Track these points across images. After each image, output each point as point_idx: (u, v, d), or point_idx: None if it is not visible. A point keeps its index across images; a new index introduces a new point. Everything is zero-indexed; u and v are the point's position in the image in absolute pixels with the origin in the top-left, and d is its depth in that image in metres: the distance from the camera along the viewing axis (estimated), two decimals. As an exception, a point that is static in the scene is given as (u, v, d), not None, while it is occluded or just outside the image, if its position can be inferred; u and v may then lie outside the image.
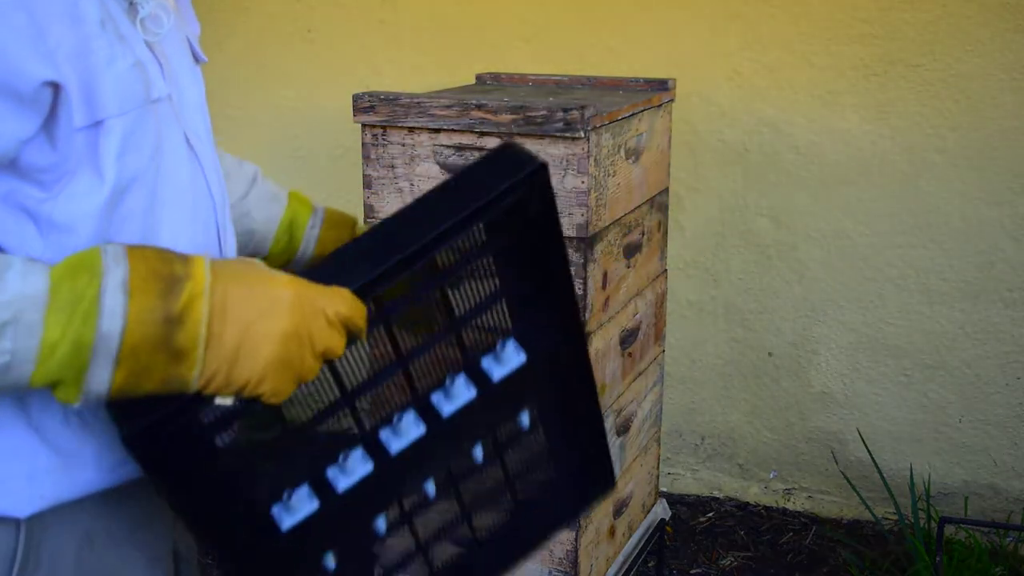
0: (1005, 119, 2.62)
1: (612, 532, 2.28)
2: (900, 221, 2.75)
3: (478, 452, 1.16)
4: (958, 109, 2.65)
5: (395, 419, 1.08)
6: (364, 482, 1.06)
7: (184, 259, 0.95)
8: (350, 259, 1.01)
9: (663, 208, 2.42)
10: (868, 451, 2.84)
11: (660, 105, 2.31)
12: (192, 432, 0.97)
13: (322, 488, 1.06)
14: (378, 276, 1.00)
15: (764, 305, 2.92)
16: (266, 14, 3.19)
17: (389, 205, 2.09)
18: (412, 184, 2.06)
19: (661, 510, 2.58)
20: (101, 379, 0.90)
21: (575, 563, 2.10)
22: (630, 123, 2.13)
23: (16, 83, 0.92)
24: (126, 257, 0.92)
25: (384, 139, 2.06)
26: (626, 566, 2.32)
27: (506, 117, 1.95)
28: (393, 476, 1.08)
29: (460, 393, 1.10)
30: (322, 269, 1.01)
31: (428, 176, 2.05)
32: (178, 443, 0.96)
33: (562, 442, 1.23)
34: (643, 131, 2.21)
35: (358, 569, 1.14)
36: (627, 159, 2.13)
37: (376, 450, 1.08)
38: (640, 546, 2.41)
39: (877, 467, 2.77)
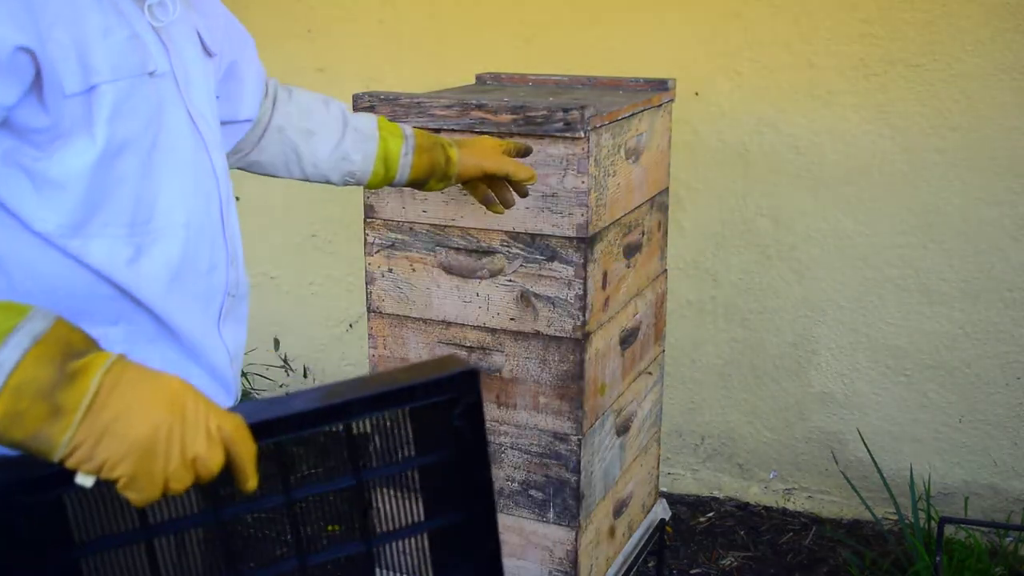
0: (1005, 119, 2.62)
1: (612, 532, 2.28)
2: (900, 221, 2.75)
3: None
4: (958, 109, 2.65)
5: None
6: None
7: (101, 348, 0.96)
8: (274, 402, 1.01)
9: (663, 208, 2.42)
10: (868, 451, 2.84)
11: (660, 105, 2.31)
12: (44, 507, 0.93)
13: None
14: (278, 419, 0.98)
15: (764, 305, 2.92)
16: (266, 14, 3.19)
17: (389, 205, 2.09)
18: (412, 184, 2.06)
19: (661, 510, 2.58)
20: None
21: (575, 563, 2.10)
22: (630, 123, 2.13)
23: None
24: (53, 320, 0.94)
25: (384, 139, 2.06)
26: (626, 566, 2.32)
27: (506, 117, 1.95)
28: None
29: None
30: (245, 405, 1.00)
31: (428, 176, 2.05)
32: (29, 515, 0.93)
33: None
34: (643, 131, 2.21)
35: None
36: (627, 159, 2.13)
37: None
38: (640, 546, 2.41)
39: (877, 467, 2.77)
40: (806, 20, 2.72)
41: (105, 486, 0.94)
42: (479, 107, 1.97)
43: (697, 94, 2.84)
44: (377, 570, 1.09)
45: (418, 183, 1.67)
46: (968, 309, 2.73)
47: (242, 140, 1.53)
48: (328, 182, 1.62)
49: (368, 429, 1.04)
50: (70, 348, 0.93)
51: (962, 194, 2.68)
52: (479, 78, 2.54)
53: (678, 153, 2.78)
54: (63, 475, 0.92)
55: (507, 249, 2.02)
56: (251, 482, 0.97)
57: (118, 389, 0.92)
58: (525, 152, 1.81)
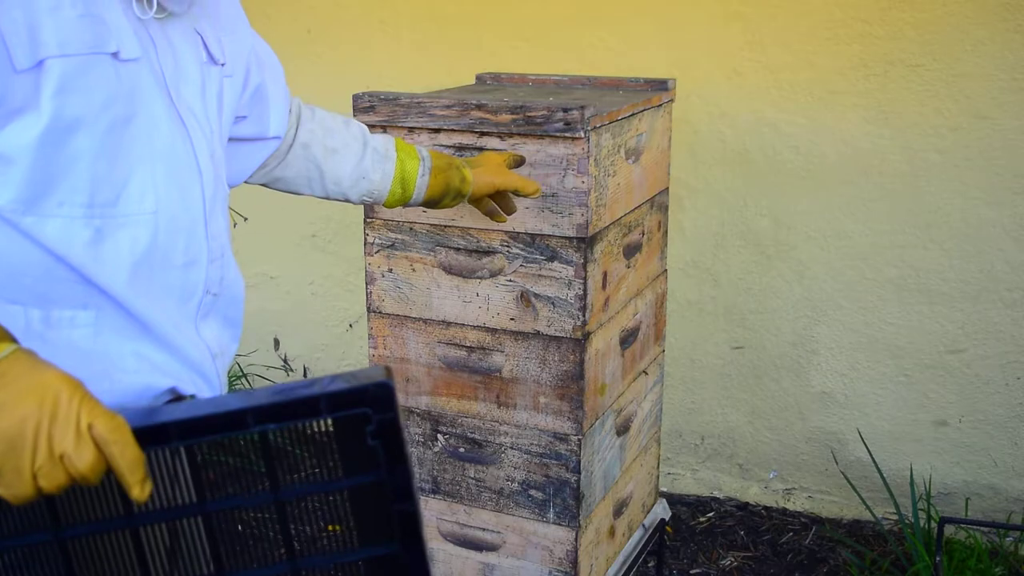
0: (1005, 119, 2.62)
1: (612, 532, 2.28)
2: (900, 221, 2.75)
3: None
4: (958, 109, 2.65)
5: None
6: None
7: (6, 342, 0.94)
8: (181, 407, 0.95)
9: (663, 208, 2.42)
10: (868, 451, 2.84)
11: (660, 105, 2.31)
12: None
13: None
14: (173, 422, 0.93)
15: (764, 305, 2.92)
16: (266, 14, 3.19)
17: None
18: (412, 184, 2.06)
19: (661, 510, 2.58)
20: None
21: (575, 563, 2.10)
22: (630, 123, 2.13)
23: None
24: None
25: (384, 139, 2.06)
26: (626, 566, 2.32)
27: (506, 117, 1.95)
28: None
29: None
30: (139, 410, 0.95)
31: (428, 176, 2.05)
32: None
33: None
34: (643, 131, 2.21)
35: None
36: (627, 159, 2.13)
37: None
38: (640, 546, 2.41)
39: (877, 467, 2.77)
40: (806, 20, 2.72)
41: None
42: (479, 107, 1.97)
43: (697, 94, 2.84)
44: None
45: (432, 202, 1.73)
46: (968, 309, 2.73)
47: (270, 155, 1.57)
48: (347, 200, 1.67)
49: (285, 441, 0.97)
50: None
51: (962, 194, 2.68)
52: (479, 78, 2.54)
53: (678, 153, 2.78)
54: None
55: (507, 249, 2.02)
56: (135, 490, 0.92)
57: (0, 381, 0.91)
58: (521, 162, 1.89)
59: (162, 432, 0.94)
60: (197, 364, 1.24)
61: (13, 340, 0.96)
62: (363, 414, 0.96)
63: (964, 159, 2.67)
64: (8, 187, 1.07)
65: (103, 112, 1.10)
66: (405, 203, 1.70)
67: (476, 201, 1.80)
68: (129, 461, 0.92)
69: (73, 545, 0.97)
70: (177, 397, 1.22)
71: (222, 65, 1.31)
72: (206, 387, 1.26)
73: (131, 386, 1.17)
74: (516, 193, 1.79)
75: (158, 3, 1.17)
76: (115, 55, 1.11)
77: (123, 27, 1.13)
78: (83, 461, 0.91)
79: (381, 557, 1.00)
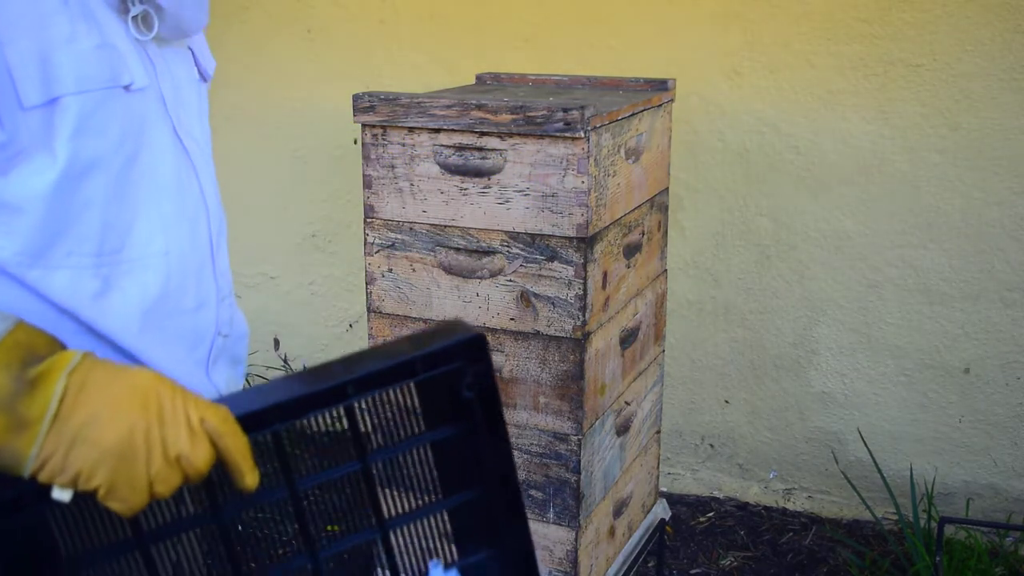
0: (1005, 119, 2.62)
1: (612, 532, 2.28)
2: (900, 221, 2.75)
3: None
4: (958, 109, 2.65)
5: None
6: None
7: (67, 350, 0.88)
8: (257, 393, 0.92)
9: (663, 208, 2.42)
10: (868, 451, 2.84)
11: (660, 105, 2.31)
12: (25, 527, 0.86)
13: None
14: (272, 406, 0.91)
15: (764, 305, 2.92)
16: (266, 14, 3.19)
17: (389, 205, 2.09)
18: (412, 184, 2.06)
19: (661, 510, 2.58)
20: None
21: (575, 563, 2.10)
22: (630, 123, 2.13)
23: None
24: (14, 323, 0.86)
25: (384, 139, 2.06)
26: (626, 566, 2.32)
27: (506, 117, 1.95)
28: None
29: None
30: (234, 398, 0.92)
31: (428, 176, 2.05)
32: (10, 537, 0.86)
33: None
34: (643, 131, 2.21)
35: None
36: (627, 159, 2.13)
37: None
38: (640, 546, 2.41)
39: (877, 467, 2.77)
40: (806, 20, 2.72)
41: (87, 499, 0.87)
42: (479, 107, 1.97)
43: (697, 94, 2.84)
44: (398, 556, 1.02)
45: None
46: (968, 309, 2.73)
47: None
48: None
49: (371, 410, 0.96)
50: (30, 353, 0.85)
51: (962, 194, 2.68)
52: (479, 78, 2.54)
53: (678, 153, 2.78)
54: (39, 491, 0.85)
55: (507, 249, 2.02)
56: (248, 478, 0.89)
57: (85, 392, 0.85)
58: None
59: (262, 417, 0.91)
60: None
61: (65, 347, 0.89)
62: (458, 368, 0.96)
63: (964, 159, 2.67)
64: (15, 238, 0.97)
65: (117, 151, 1.01)
66: None
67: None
68: (242, 450, 0.89)
69: (156, 548, 0.94)
70: None
71: (209, 80, 1.22)
72: None
73: None
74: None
75: (170, 34, 1.08)
76: (127, 87, 1.02)
77: (131, 53, 1.04)
78: (200, 459, 0.87)
79: (471, 505, 1.01)
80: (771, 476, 3.03)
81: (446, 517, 1.02)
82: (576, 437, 2.05)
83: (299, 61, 3.20)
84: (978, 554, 2.57)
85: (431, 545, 1.02)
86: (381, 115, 2.04)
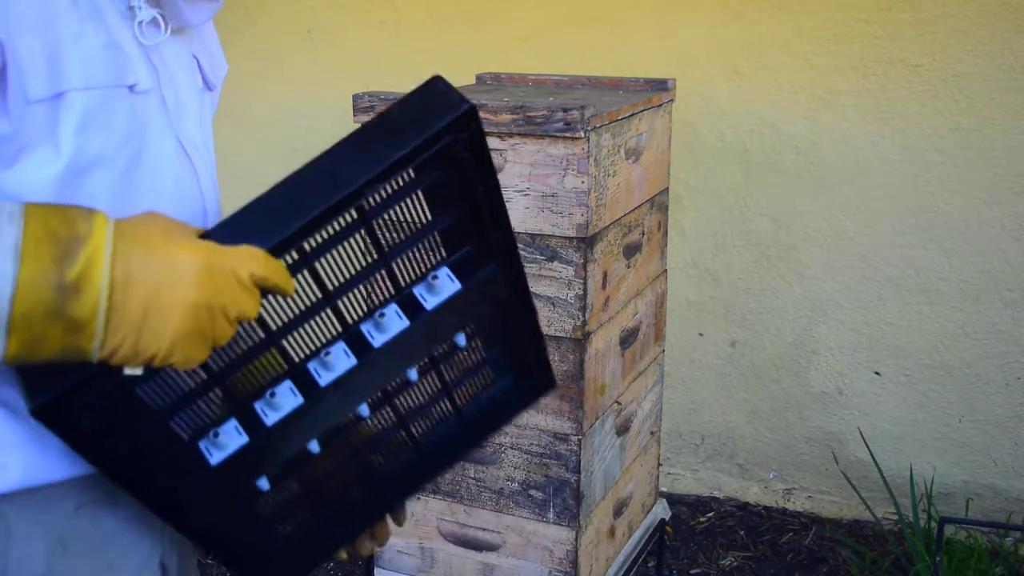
0: (1005, 119, 2.62)
1: (612, 532, 2.28)
2: (900, 221, 2.75)
3: (412, 373, 1.14)
4: (958, 109, 2.65)
5: (324, 353, 1.05)
6: (295, 413, 1.05)
7: (89, 217, 0.88)
8: (267, 211, 0.96)
9: (663, 208, 2.42)
10: (868, 451, 2.84)
11: (660, 105, 2.31)
12: (107, 393, 0.93)
13: (251, 423, 1.04)
14: (296, 231, 0.95)
15: (764, 305, 2.92)
16: (266, 14, 3.19)
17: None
18: (412, 184, 2.06)
19: (661, 510, 2.58)
20: None
21: (575, 563, 2.10)
22: (630, 123, 2.13)
23: None
24: (22, 216, 0.86)
25: (384, 139, 2.06)
26: (626, 566, 2.32)
27: (506, 117, 1.95)
28: (324, 405, 1.07)
29: (392, 325, 1.07)
30: (239, 222, 0.96)
31: (428, 176, 2.05)
32: (92, 406, 0.93)
33: (500, 349, 1.23)
34: (643, 131, 2.21)
35: (293, 486, 1.14)
36: (627, 159, 2.13)
37: (306, 383, 1.06)
38: (640, 546, 2.41)
39: (877, 467, 2.77)
40: (806, 20, 2.72)
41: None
42: (479, 107, 1.96)
43: (697, 94, 2.84)
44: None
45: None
46: (968, 309, 2.73)
47: None
48: None
49: (378, 201, 1.02)
50: (57, 244, 0.85)
51: (962, 194, 2.68)
52: (479, 78, 2.54)
53: (678, 153, 2.78)
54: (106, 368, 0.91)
55: (507, 249, 2.02)
56: (288, 290, 0.96)
57: (132, 281, 0.87)
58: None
59: (291, 240, 0.96)
60: None
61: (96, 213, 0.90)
62: (452, 140, 1.00)
63: (964, 159, 2.67)
64: None
65: (121, 150, 1.02)
66: None
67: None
68: (282, 278, 0.95)
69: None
70: None
71: (214, 89, 1.23)
72: None
73: None
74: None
75: (170, 23, 1.09)
76: (132, 88, 1.04)
77: (136, 55, 1.05)
78: (255, 308, 0.94)
79: (484, 279, 1.10)
80: (771, 476, 3.03)
81: (437, 238, 1.10)
82: (576, 437, 2.05)
83: (299, 61, 3.20)
84: (978, 554, 2.57)
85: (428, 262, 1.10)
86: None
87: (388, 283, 1.08)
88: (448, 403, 1.21)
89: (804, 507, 3.00)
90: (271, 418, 1.04)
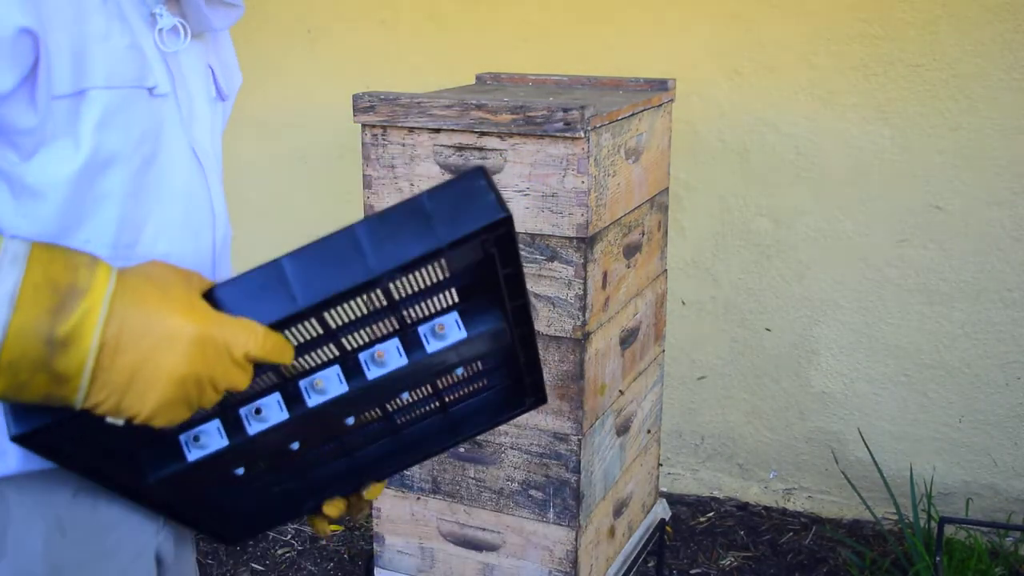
0: (1005, 119, 2.62)
1: (612, 532, 2.28)
2: (900, 221, 2.75)
3: (404, 395, 1.14)
4: (958, 109, 2.65)
5: (315, 379, 1.04)
6: (277, 427, 1.04)
7: (92, 266, 0.89)
8: (282, 278, 0.94)
9: (663, 208, 2.42)
10: (868, 451, 2.84)
11: (660, 105, 2.31)
12: (87, 425, 0.93)
13: (233, 427, 1.04)
14: (306, 310, 0.93)
15: (764, 305, 2.92)
16: (266, 14, 3.19)
17: (389, 205, 2.09)
18: (412, 184, 2.06)
19: (661, 510, 2.58)
20: None
21: (575, 563, 2.10)
22: (630, 123, 2.13)
23: None
24: (25, 260, 0.86)
25: (384, 139, 2.06)
26: (626, 566, 2.32)
27: (506, 117, 1.95)
28: (309, 420, 1.06)
29: (391, 360, 1.06)
30: (249, 285, 0.94)
31: (428, 176, 2.05)
32: (71, 437, 0.94)
33: (496, 365, 1.21)
34: (643, 131, 2.21)
35: (270, 473, 1.14)
36: (627, 159, 2.13)
37: (294, 398, 1.05)
38: (640, 546, 2.41)
39: (877, 467, 2.77)
40: (806, 20, 2.72)
41: None
42: (479, 107, 1.96)
43: (697, 94, 2.84)
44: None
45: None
46: (968, 309, 2.73)
47: None
48: None
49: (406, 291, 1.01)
50: (55, 295, 0.86)
51: (962, 194, 2.68)
52: (479, 78, 2.54)
53: (678, 153, 2.78)
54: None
55: (507, 249, 2.02)
56: (287, 360, 0.96)
57: (123, 343, 0.88)
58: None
59: (299, 317, 0.95)
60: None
61: (98, 260, 0.90)
62: (482, 242, 0.98)
63: (964, 159, 2.67)
64: (34, 223, 0.99)
65: (137, 149, 1.04)
66: None
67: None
68: (281, 357, 0.95)
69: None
70: None
71: (226, 99, 1.25)
72: None
73: None
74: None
75: (192, 29, 1.11)
76: (151, 90, 1.06)
77: (156, 60, 1.07)
78: (244, 383, 0.94)
79: (493, 331, 1.09)
80: (771, 476, 3.03)
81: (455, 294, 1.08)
82: (576, 437, 2.05)
83: (299, 61, 3.20)
84: (978, 554, 2.57)
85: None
86: (381, 115, 2.04)
87: (394, 321, 1.06)
88: (436, 403, 1.21)
89: (804, 507, 3.00)
90: (254, 428, 1.04)
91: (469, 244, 0.97)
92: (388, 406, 1.16)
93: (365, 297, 0.98)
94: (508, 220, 0.97)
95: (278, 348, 0.94)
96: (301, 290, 0.93)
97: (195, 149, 1.13)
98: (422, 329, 1.07)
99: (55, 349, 0.85)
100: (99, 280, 0.89)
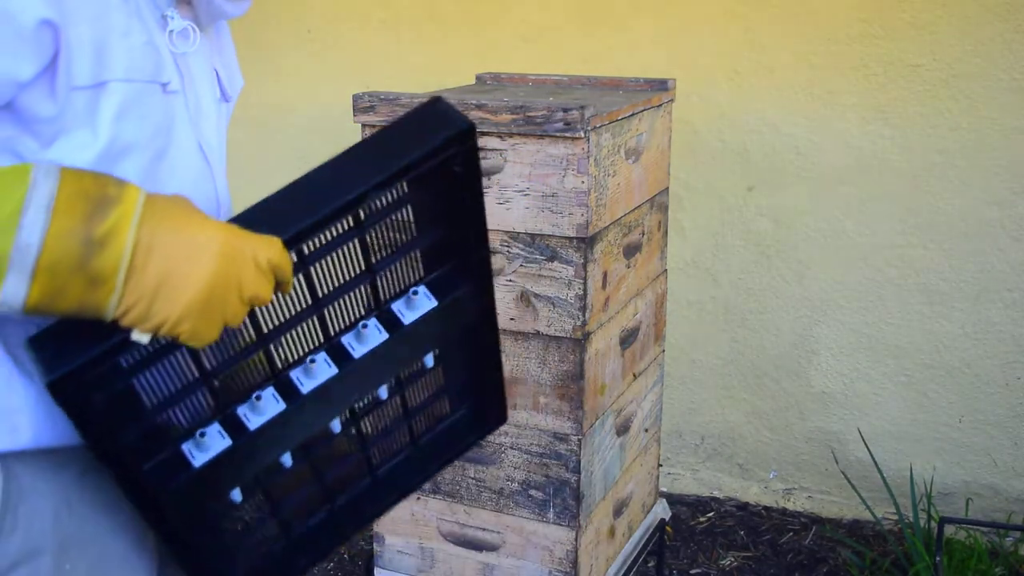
0: (1005, 119, 2.62)
1: (612, 532, 2.28)
2: (900, 221, 2.75)
3: (383, 391, 1.21)
4: (958, 109, 2.65)
5: (309, 360, 1.11)
6: (276, 420, 1.10)
7: (120, 183, 0.94)
8: (280, 208, 1.02)
9: (663, 208, 2.42)
10: (868, 451, 2.84)
11: (660, 105, 2.31)
12: (112, 376, 0.98)
13: (234, 427, 1.09)
14: (309, 227, 1.01)
15: (764, 305, 2.92)
16: (266, 14, 3.19)
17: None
18: (412, 184, 2.06)
19: (661, 510, 2.58)
20: (16, 291, 0.89)
21: (575, 563, 2.10)
22: (630, 123, 2.13)
23: (16, 11, 0.95)
24: (58, 174, 0.91)
25: (384, 139, 2.06)
26: (626, 566, 2.32)
27: (506, 117, 1.95)
28: (303, 414, 1.12)
29: (371, 336, 1.13)
30: (253, 216, 1.01)
31: (428, 176, 2.05)
32: (99, 388, 0.97)
33: (460, 380, 1.31)
34: (643, 131, 2.21)
35: (262, 500, 1.19)
36: (627, 159, 2.13)
37: (288, 390, 1.11)
38: (640, 546, 2.41)
39: (877, 467, 2.77)
40: (806, 20, 2.72)
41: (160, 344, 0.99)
42: (479, 107, 1.96)
43: (697, 94, 2.84)
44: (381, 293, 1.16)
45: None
46: (968, 309, 2.73)
47: None
48: None
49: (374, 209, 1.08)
50: (88, 203, 0.90)
51: (962, 194, 2.68)
52: (479, 78, 2.54)
53: (678, 153, 2.78)
54: (119, 343, 0.95)
55: (507, 249, 2.02)
56: (291, 282, 1.02)
57: (156, 247, 0.92)
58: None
59: (300, 236, 1.02)
60: None
61: (126, 184, 0.95)
62: (449, 155, 1.08)
63: (964, 159, 2.67)
64: None
65: (150, 142, 1.09)
66: None
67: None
68: (290, 275, 1.01)
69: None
70: None
71: (231, 100, 1.30)
72: None
73: None
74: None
75: (203, 20, 1.17)
76: (165, 86, 1.11)
77: (168, 58, 1.12)
78: (268, 293, 0.99)
79: (459, 299, 1.18)
80: (771, 476, 3.03)
81: (419, 256, 1.17)
82: (576, 437, 2.05)
83: (299, 61, 3.20)
84: (978, 554, 2.58)
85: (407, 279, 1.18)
86: (381, 115, 2.04)
87: (370, 298, 1.14)
88: (407, 431, 1.29)
89: (804, 507, 3.00)
90: (254, 423, 1.08)
91: (439, 158, 1.06)
92: (366, 426, 1.23)
93: (348, 248, 1.08)
94: (472, 129, 1.07)
95: (289, 264, 1.00)
96: (300, 213, 1.01)
97: (202, 145, 1.18)
98: (395, 305, 1.16)
99: (92, 249, 0.90)
100: (129, 193, 0.93)
